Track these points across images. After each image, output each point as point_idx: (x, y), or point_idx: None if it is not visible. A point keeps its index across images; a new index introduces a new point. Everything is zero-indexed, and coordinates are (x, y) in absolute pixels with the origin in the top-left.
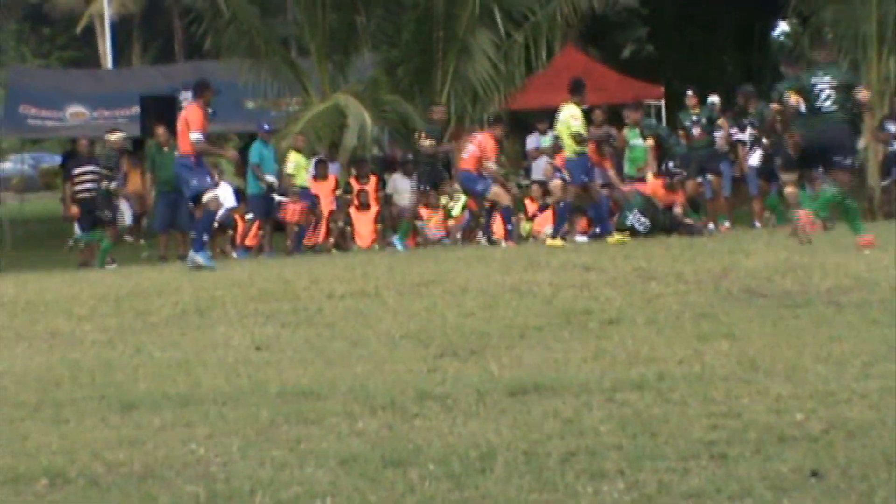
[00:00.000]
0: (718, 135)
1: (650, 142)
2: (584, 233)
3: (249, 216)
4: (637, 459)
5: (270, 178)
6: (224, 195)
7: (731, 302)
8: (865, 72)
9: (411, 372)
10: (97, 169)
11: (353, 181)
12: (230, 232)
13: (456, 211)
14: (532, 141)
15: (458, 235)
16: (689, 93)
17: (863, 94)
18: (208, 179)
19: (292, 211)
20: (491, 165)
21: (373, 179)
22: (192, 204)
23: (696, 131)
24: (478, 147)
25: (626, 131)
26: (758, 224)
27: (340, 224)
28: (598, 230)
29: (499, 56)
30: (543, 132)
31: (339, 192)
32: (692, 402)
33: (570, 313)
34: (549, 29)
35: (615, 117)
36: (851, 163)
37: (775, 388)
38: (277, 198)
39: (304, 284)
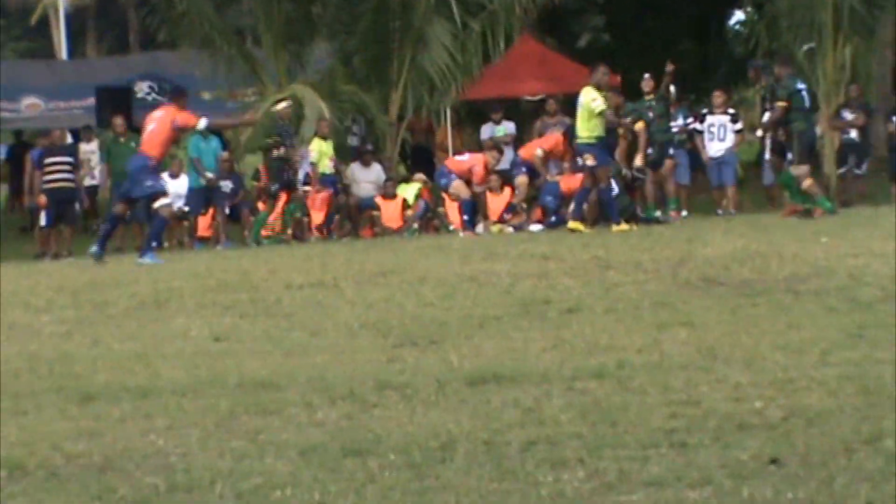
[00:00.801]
0: (676, 123)
1: (640, 125)
2: (539, 222)
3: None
4: (597, 448)
5: (209, 175)
6: (181, 187)
7: (689, 290)
8: (821, 60)
9: (370, 362)
10: (70, 160)
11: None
12: (186, 223)
13: (410, 199)
14: (486, 130)
15: (415, 225)
16: (647, 76)
17: None
18: (163, 183)
19: (319, 199)
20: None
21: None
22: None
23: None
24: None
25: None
26: (720, 212)
27: (298, 215)
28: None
29: (456, 46)
30: (498, 122)
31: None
32: (651, 390)
33: (529, 303)
34: (507, 18)
35: (571, 107)
36: None
37: (734, 377)
38: (302, 188)
39: (262, 275)
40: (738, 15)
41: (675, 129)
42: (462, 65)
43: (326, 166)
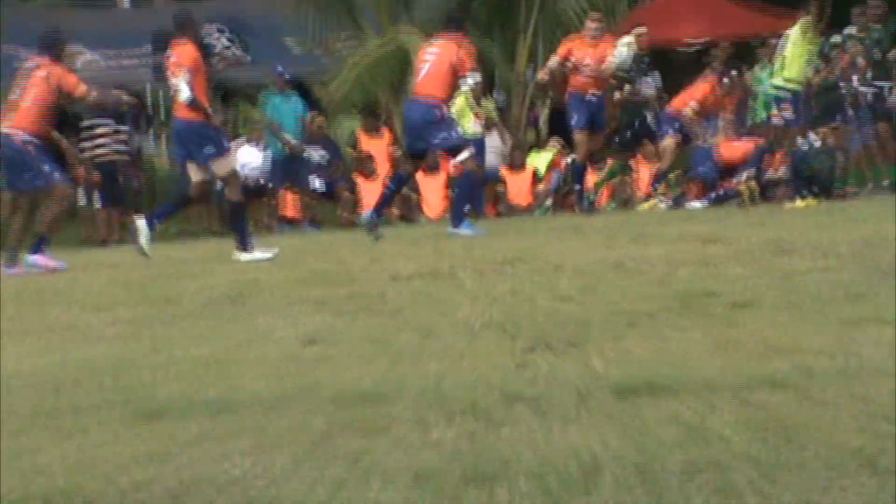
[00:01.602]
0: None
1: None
2: (698, 197)
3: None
4: (774, 472)
5: (291, 140)
6: (250, 157)
7: (888, 279)
8: None
9: (496, 369)
10: (123, 127)
11: None
12: (267, 201)
13: (542, 170)
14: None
15: (548, 202)
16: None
17: None
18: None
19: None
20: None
21: None
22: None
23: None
24: None
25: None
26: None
27: (405, 190)
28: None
29: None
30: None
31: (399, 152)
32: (841, 402)
33: (690, 296)
34: None
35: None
36: None
37: None
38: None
39: (363, 264)
40: None
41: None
42: (605, 4)
43: (469, 126)
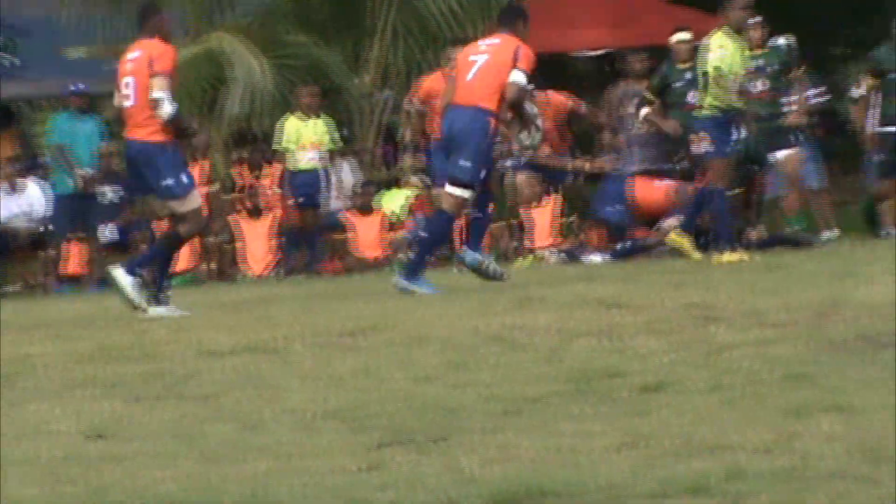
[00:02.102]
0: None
1: None
2: (600, 248)
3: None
4: None
5: (83, 171)
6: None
7: (838, 354)
8: None
9: (338, 471)
10: None
11: (238, 171)
12: (47, 253)
13: (398, 211)
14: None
15: (401, 252)
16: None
17: None
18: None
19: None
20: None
21: (275, 168)
22: None
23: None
24: None
25: None
26: (884, 232)
27: (220, 239)
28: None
29: None
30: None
31: (213, 188)
32: None
33: (588, 376)
34: None
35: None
36: None
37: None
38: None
39: (167, 335)
40: None
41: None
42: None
43: (304, 160)
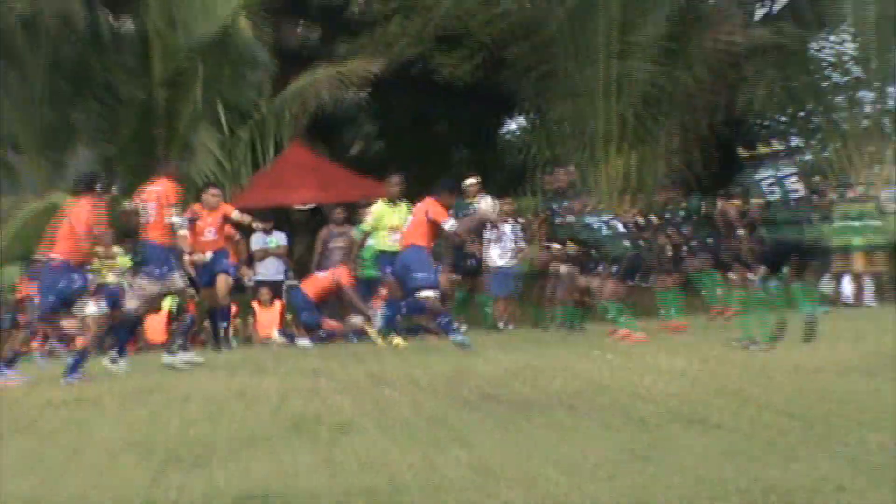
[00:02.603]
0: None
1: None
2: (306, 336)
3: None
4: None
5: None
6: None
7: (465, 407)
8: (593, 169)
9: (133, 483)
10: None
11: None
12: None
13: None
14: (257, 241)
15: (180, 340)
16: (473, 181)
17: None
18: None
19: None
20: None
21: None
22: None
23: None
24: None
25: None
26: (500, 325)
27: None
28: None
29: (223, 153)
30: (269, 232)
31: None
32: None
33: (300, 420)
34: (277, 125)
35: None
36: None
37: (509, 496)
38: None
39: (21, 392)
40: (515, 123)
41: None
42: (230, 173)
43: (107, 276)
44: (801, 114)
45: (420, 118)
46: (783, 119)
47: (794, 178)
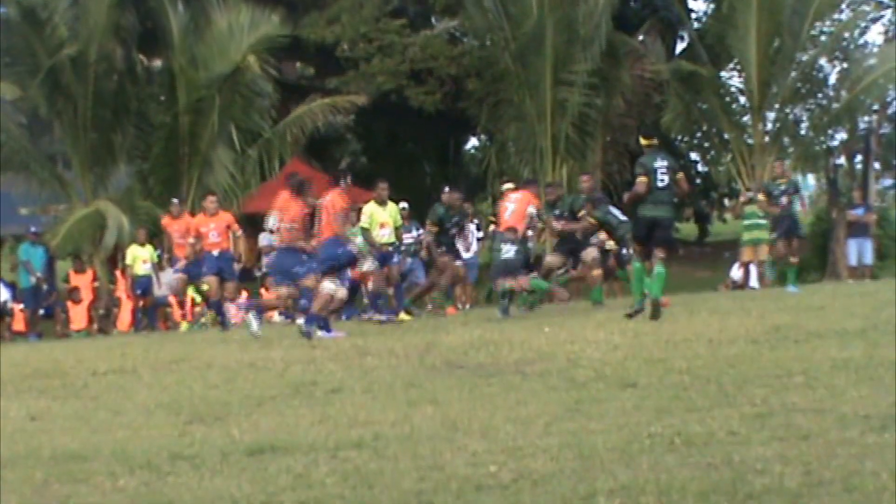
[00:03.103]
0: (410, 235)
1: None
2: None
3: (21, 306)
4: None
5: (39, 274)
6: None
7: (434, 373)
8: (542, 178)
9: (164, 437)
10: None
11: (119, 272)
12: (7, 319)
13: (199, 298)
14: (264, 238)
15: (203, 319)
16: (448, 189)
17: (681, 177)
18: None
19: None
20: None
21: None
22: None
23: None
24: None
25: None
26: (459, 306)
27: (102, 311)
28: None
29: (236, 168)
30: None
31: (97, 284)
32: (403, 457)
33: (300, 384)
34: (280, 145)
35: None
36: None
37: (472, 445)
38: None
39: (72, 364)
40: (474, 141)
41: (409, 240)
42: (241, 183)
43: (141, 269)
44: (714, 130)
45: (396, 139)
46: (697, 135)
47: (664, 170)
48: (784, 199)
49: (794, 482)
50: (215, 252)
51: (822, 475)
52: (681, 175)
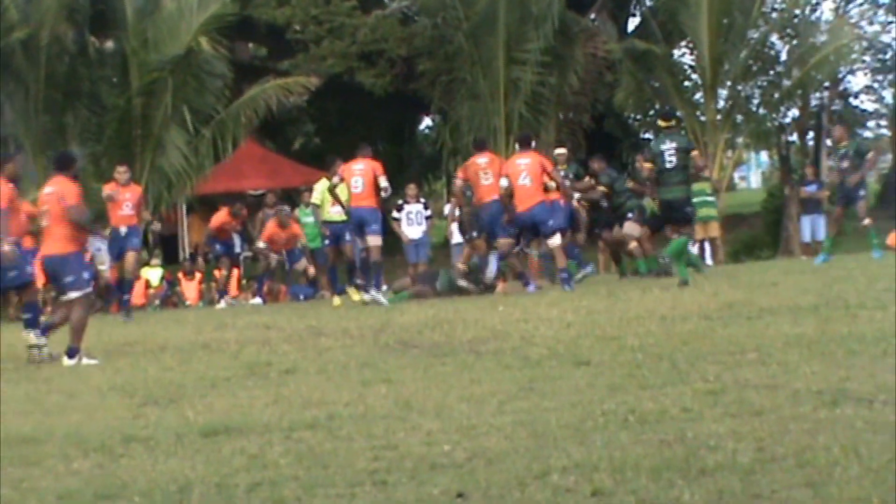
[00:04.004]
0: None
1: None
2: (255, 295)
3: None
4: (311, 488)
5: None
6: None
7: (388, 352)
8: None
9: (118, 419)
10: None
11: None
12: None
13: (154, 281)
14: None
15: (157, 302)
16: (561, 151)
17: (696, 155)
18: None
19: None
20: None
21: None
22: None
23: None
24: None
25: None
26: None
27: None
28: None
29: (190, 149)
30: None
31: None
32: (357, 437)
33: (254, 365)
34: (234, 125)
35: (287, 199)
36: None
37: (426, 424)
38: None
39: (24, 347)
40: (427, 121)
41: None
42: (195, 165)
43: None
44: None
45: (349, 119)
46: (650, 113)
47: (672, 152)
48: (845, 164)
49: (747, 458)
50: (123, 229)
51: (774, 451)
52: (695, 153)
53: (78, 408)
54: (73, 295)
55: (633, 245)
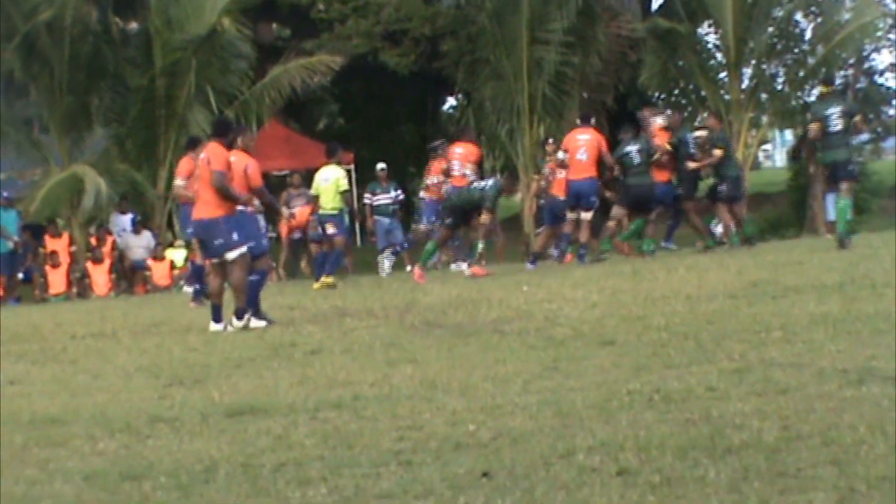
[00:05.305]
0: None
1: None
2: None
3: None
4: (337, 468)
5: (15, 238)
6: None
7: (413, 332)
8: (520, 137)
9: (144, 399)
10: None
11: (93, 239)
12: None
13: (179, 262)
14: None
15: (182, 282)
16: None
17: (859, 119)
18: None
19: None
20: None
21: (109, 240)
22: None
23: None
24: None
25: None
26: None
27: (78, 275)
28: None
29: None
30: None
31: (73, 248)
32: (382, 417)
33: (279, 346)
34: (257, 106)
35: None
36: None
37: (451, 404)
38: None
39: (50, 328)
40: (451, 101)
41: (387, 201)
42: None
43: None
44: (691, 87)
45: (373, 99)
46: (675, 93)
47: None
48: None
49: (772, 436)
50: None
51: (800, 429)
52: (858, 117)
53: (104, 388)
54: (230, 256)
55: (611, 224)
